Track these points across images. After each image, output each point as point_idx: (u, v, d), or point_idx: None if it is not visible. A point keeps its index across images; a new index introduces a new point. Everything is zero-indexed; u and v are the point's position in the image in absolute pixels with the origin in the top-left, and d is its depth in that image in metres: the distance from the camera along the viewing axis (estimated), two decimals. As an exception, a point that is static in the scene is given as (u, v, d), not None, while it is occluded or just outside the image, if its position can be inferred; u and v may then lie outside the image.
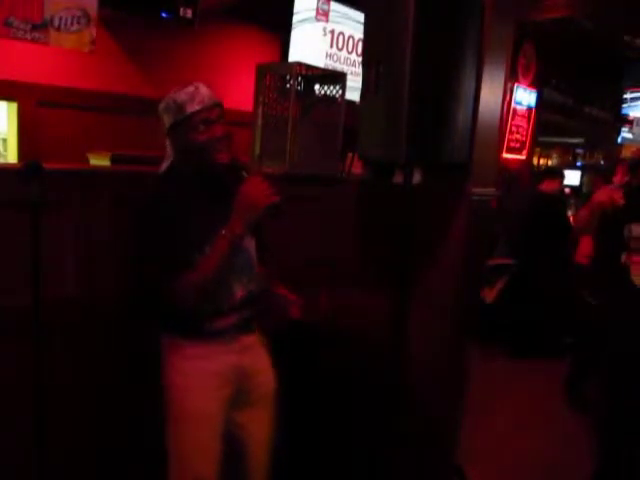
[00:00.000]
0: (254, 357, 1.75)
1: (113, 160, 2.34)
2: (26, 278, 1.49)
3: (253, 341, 1.75)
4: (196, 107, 1.55)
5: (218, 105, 1.60)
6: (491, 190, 2.31)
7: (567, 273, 4.29)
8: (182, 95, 1.56)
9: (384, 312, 2.10)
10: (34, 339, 1.50)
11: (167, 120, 1.59)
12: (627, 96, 8.15)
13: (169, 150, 1.65)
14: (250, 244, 1.70)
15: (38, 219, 1.49)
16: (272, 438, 1.81)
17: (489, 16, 2.05)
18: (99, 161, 2.41)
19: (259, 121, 2.32)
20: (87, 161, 2.48)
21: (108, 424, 1.89)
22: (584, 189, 6.82)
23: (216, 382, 1.63)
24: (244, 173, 1.62)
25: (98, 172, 2.16)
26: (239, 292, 1.66)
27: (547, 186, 4.80)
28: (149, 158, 2.33)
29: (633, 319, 2.25)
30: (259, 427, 1.78)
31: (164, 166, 1.66)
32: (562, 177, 5.08)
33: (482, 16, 2.02)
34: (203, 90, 1.58)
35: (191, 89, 1.57)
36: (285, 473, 2.03)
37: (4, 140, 3.93)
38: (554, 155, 8.21)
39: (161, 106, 1.60)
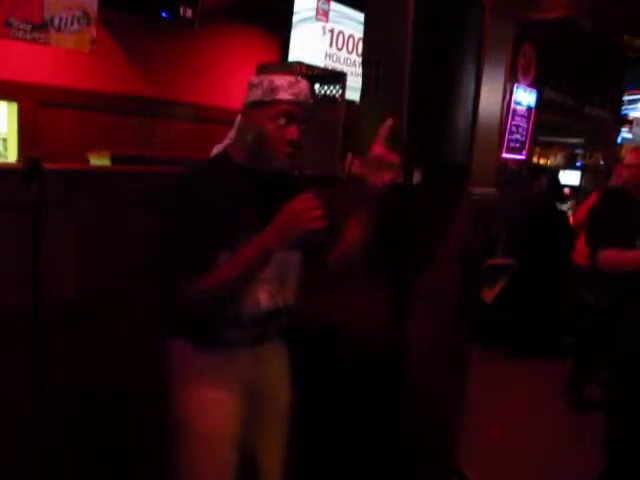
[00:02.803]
0: (271, 368, 1.67)
1: (113, 160, 2.34)
2: (26, 278, 1.49)
3: (272, 352, 1.67)
4: (287, 96, 1.44)
5: (307, 106, 1.50)
6: (491, 190, 2.32)
7: (567, 273, 4.29)
8: (280, 79, 1.46)
9: (384, 313, 2.11)
10: (34, 339, 1.50)
11: (252, 95, 1.48)
12: (625, 98, 8.15)
13: (233, 132, 1.54)
14: (286, 256, 1.54)
15: (38, 219, 1.49)
16: (285, 452, 1.73)
17: (489, 16, 2.06)
18: (99, 161, 2.41)
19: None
20: (87, 161, 2.48)
21: (109, 424, 1.89)
22: (583, 189, 6.82)
23: (230, 395, 1.55)
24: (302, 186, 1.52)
25: (98, 172, 2.15)
26: (265, 304, 1.53)
27: (536, 185, 4.83)
28: (149, 158, 2.34)
29: None
30: (273, 442, 1.71)
31: (215, 150, 1.56)
32: (546, 176, 5.10)
33: (482, 16, 2.02)
34: (303, 85, 1.49)
35: (292, 78, 1.48)
36: (285, 473, 2.03)
37: (4, 140, 3.92)
38: (554, 155, 8.20)
39: (254, 80, 1.49)
